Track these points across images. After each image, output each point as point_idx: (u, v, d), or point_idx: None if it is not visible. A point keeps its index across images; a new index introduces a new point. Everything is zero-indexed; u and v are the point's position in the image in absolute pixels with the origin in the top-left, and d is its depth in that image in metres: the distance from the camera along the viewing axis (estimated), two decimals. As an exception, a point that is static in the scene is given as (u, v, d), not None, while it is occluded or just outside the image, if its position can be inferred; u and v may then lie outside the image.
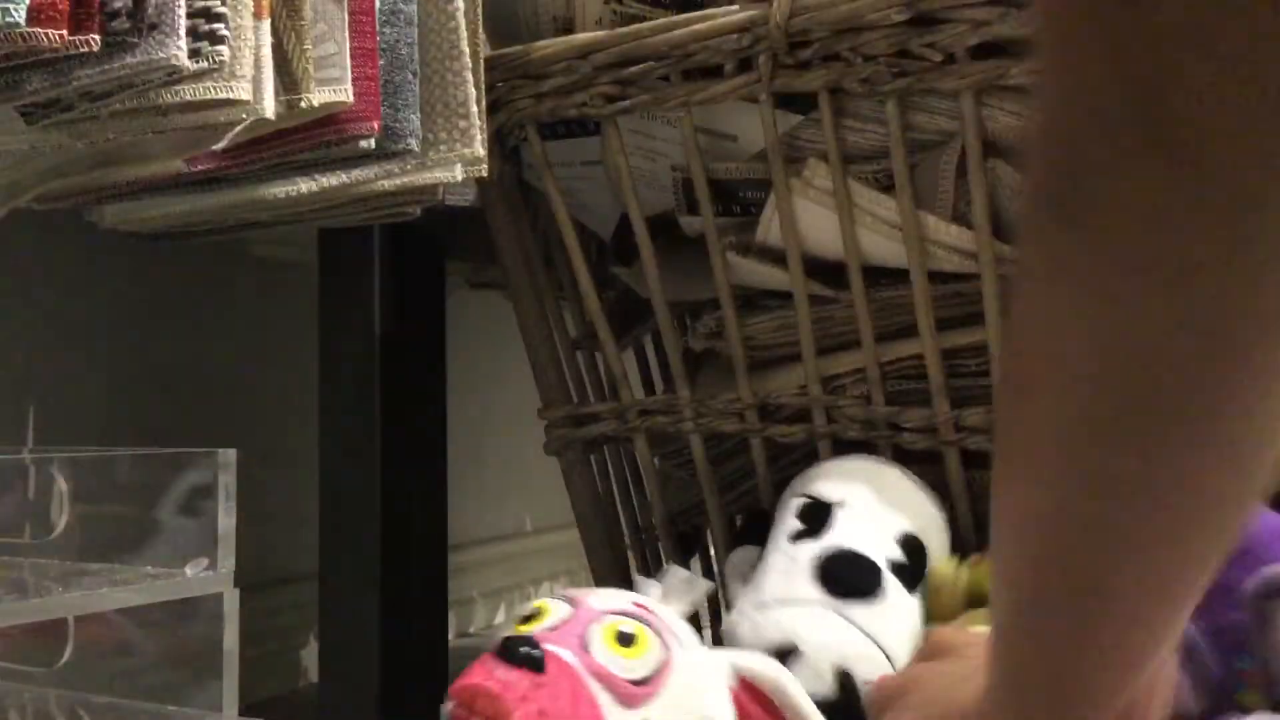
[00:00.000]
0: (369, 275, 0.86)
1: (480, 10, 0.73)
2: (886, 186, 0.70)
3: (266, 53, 0.59)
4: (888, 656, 0.61)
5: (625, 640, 0.51)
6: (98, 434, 1.01)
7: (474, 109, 0.71)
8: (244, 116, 0.59)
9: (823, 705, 0.55)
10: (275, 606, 1.12)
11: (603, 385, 0.86)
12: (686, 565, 0.86)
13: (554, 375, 0.84)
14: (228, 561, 0.63)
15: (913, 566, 0.65)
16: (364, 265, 0.86)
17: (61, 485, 0.70)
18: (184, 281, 1.12)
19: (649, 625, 0.53)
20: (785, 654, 0.60)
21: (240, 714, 0.63)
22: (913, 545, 0.66)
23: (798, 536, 0.66)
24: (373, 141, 0.67)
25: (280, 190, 0.69)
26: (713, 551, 0.88)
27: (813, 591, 0.62)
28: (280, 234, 0.93)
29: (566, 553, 1.62)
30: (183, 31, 0.54)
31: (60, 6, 0.51)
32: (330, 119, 0.65)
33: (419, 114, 0.69)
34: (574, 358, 0.86)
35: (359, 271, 0.86)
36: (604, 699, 0.49)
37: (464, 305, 1.10)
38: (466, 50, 0.71)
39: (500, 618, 1.57)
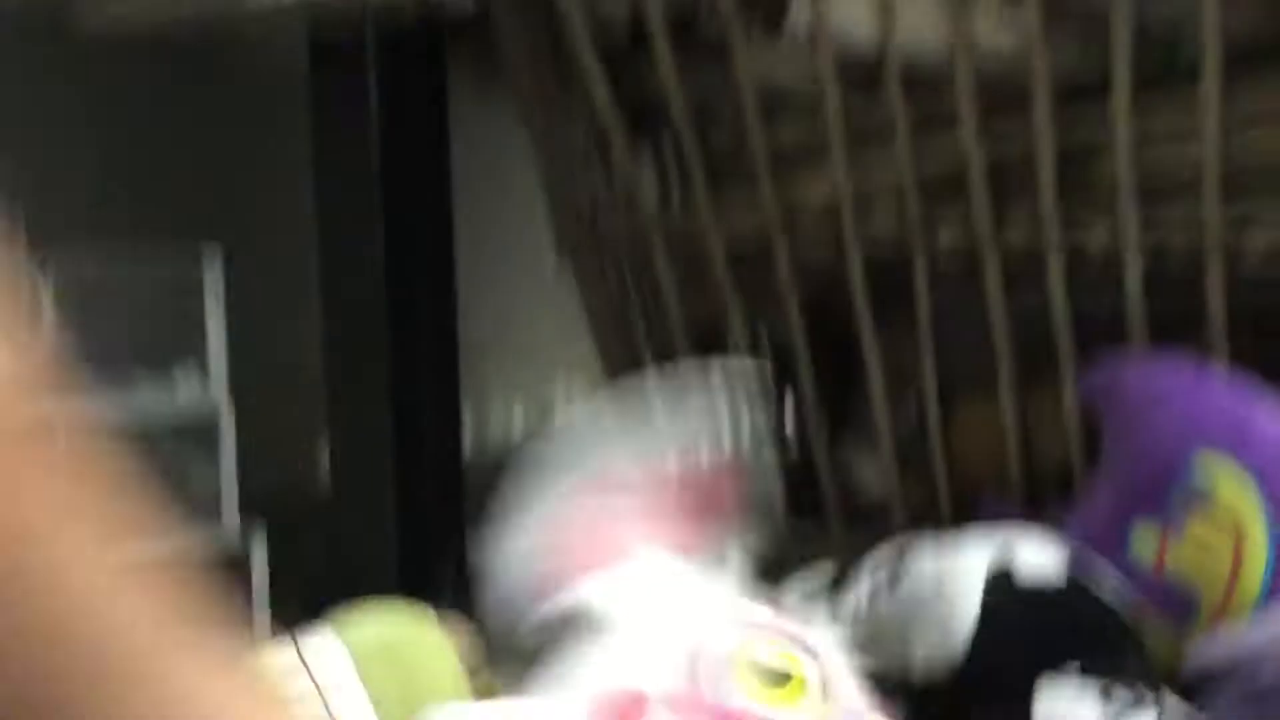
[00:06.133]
0: (362, 83, 0.81)
1: None
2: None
3: None
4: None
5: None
6: (91, 233, 0.99)
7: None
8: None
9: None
10: (282, 406, 1.11)
11: (617, 188, 0.82)
12: (705, 369, 0.83)
13: (565, 177, 0.80)
14: (219, 363, 0.60)
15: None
16: (357, 70, 0.81)
17: (45, 285, 0.66)
18: (176, 86, 1.08)
19: None
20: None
21: (241, 512, 0.61)
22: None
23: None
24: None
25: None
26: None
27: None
28: (270, 36, 0.88)
29: (584, 361, 1.61)
30: None
31: None
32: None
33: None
34: (587, 160, 0.81)
35: (352, 80, 0.81)
36: None
37: (471, 106, 1.05)
38: None
39: (517, 419, 1.57)
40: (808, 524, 0.78)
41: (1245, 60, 0.64)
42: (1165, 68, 0.65)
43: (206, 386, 0.61)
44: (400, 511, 0.83)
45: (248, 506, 0.61)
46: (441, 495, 0.88)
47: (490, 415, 1.53)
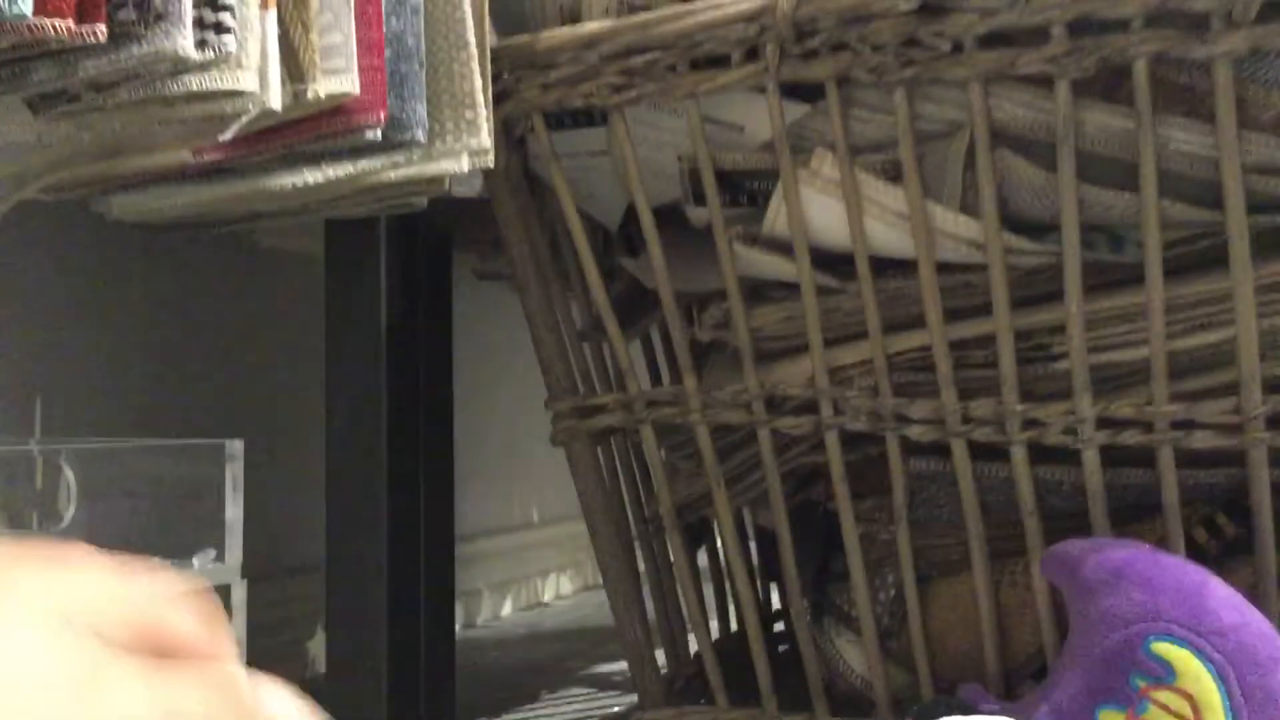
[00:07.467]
0: (375, 266, 0.86)
1: (487, 0, 0.73)
2: (894, 176, 0.70)
3: (273, 43, 0.59)
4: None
5: None
6: (105, 425, 1.01)
7: (480, 99, 0.71)
8: (250, 107, 0.58)
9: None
10: (283, 598, 1.12)
11: (609, 376, 0.85)
12: (694, 557, 0.86)
13: (560, 366, 0.84)
14: (235, 552, 0.64)
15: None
16: (370, 256, 0.86)
17: (69, 476, 0.70)
18: (192, 273, 1.12)
19: None
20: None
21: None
22: None
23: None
24: (379, 132, 0.67)
25: (286, 181, 0.69)
26: (720, 543, 0.88)
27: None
28: (287, 225, 0.93)
29: (573, 544, 1.62)
30: (189, 22, 0.54)
31: (66, -3, 0.51)
32: (336, 109, 0.65)
33: (425, 104, 0.69)
34: (580, 348, 0.85)
35: (365, 262, 0.86)
36: None
37: (471, 296, 1.10)
38: (473, 40, 0.71)
39: (507, 609, 1.57)
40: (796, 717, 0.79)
41: (1187, 256, 0.69)
42: (1112, 266, 0.70)
43: (222, 571, 0.64)
44: (393, 691, 0.85)
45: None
46: (432, 673, 0.89)
47: (481, 605, 1.53)
